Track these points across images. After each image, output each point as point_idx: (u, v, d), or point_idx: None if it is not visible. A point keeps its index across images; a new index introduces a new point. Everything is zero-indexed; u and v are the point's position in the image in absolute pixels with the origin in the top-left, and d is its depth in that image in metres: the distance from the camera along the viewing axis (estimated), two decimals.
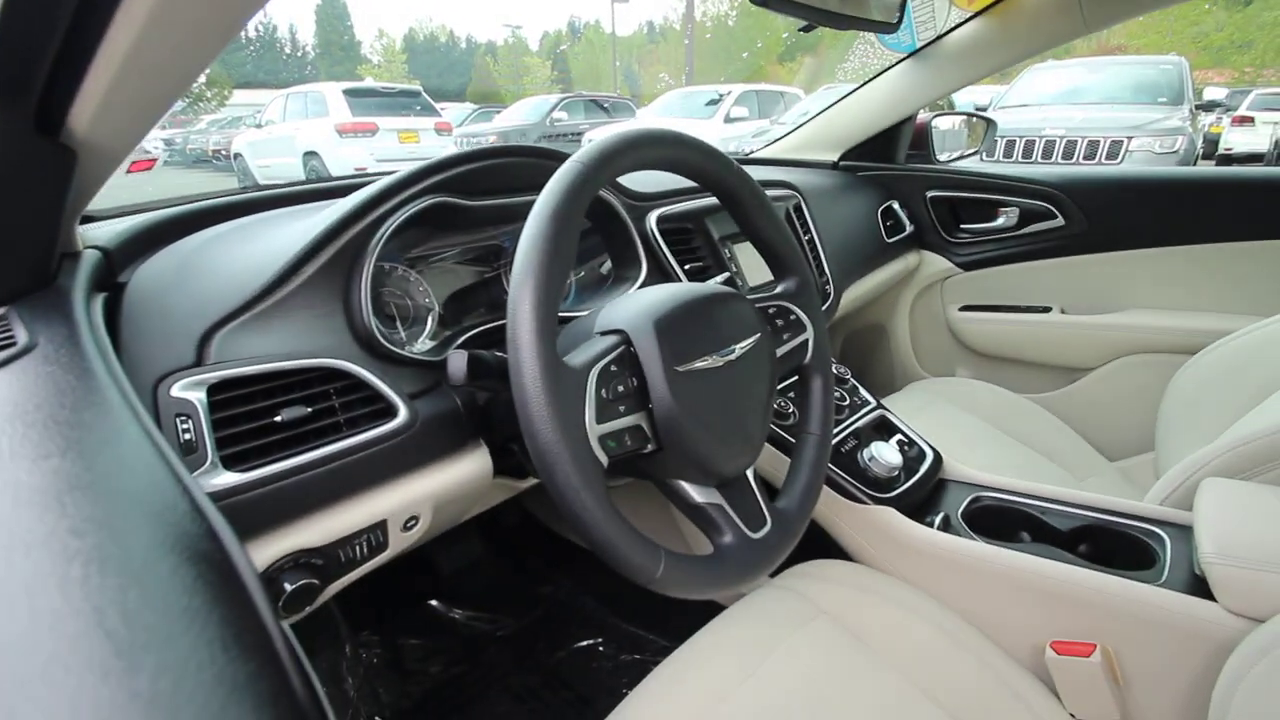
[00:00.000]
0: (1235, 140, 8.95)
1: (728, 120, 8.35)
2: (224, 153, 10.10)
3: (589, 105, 10.59)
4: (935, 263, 1.68)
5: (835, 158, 1.67)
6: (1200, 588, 0.71)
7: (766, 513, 0.64)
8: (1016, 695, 0.71)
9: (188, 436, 0.53)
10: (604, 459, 0.53)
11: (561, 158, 0.76)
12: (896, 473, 0.93)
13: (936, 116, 1.70)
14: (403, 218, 0.70)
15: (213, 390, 0.56)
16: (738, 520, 0.61)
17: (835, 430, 0.98)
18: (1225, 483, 0.78)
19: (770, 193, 1.25)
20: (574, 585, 1.39)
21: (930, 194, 1.64)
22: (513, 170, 0.81)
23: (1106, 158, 5.44)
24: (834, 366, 0.99)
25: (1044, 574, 0.77)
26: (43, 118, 0.48)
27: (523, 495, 0.90)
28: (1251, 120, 8.88)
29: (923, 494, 0.93)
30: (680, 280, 0.96)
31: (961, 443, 1.18)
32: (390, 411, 0.64)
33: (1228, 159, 8.96)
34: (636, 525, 0.53)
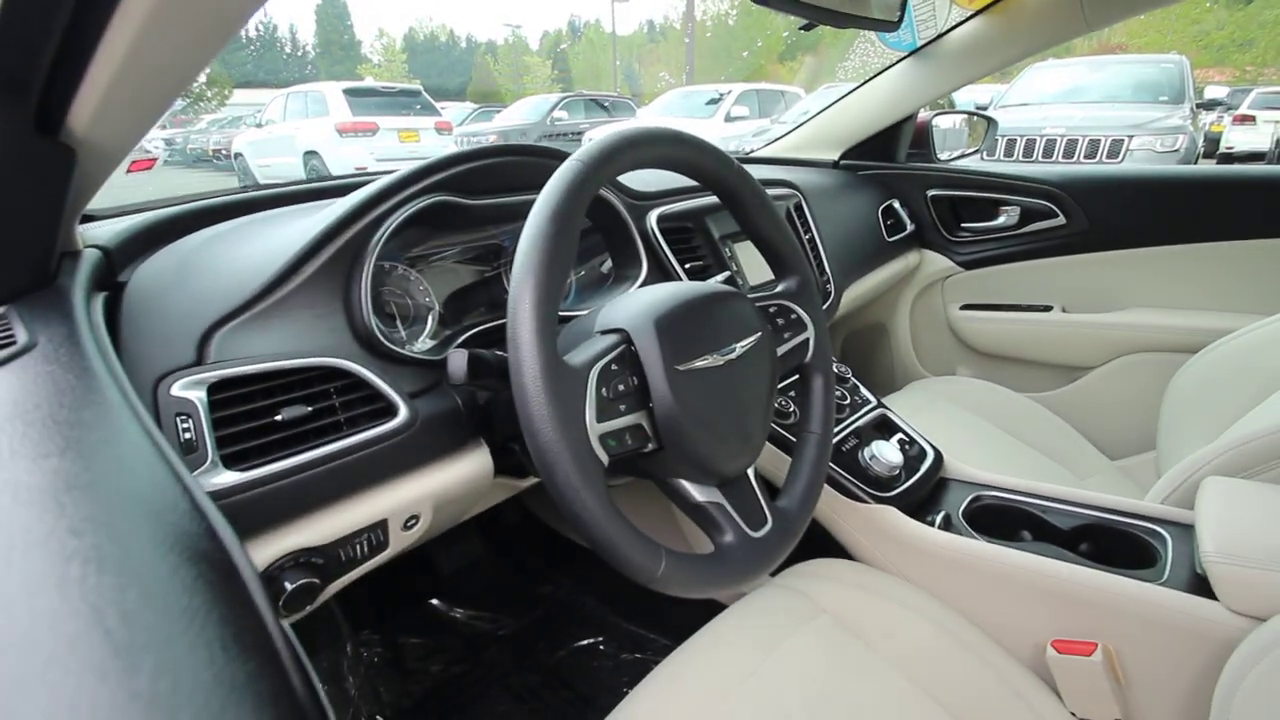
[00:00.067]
0: (1236, 139, 8.94)
1: (728, 119, 8.34)
2: (224, 152, 10.10)
3: (589, 104, 10.59)
4: (936, 262, 1.68)
5: (836, 157, 1.67)
6: (1202, 587, 0.70)
7: (767, 512, 0.64)
8: (1017, 694, 0.71)
9: (188, 436, 0.53)
10: (604, 458, 0.53)
11: (562, 156, 0.76)
12: (897, 472, 0.93)
13: (937, 115, 1.69)
14: (403, 217, 0.70)
15: (213, 389, 0.56)
16: (738, 519, 0.61)
17: (836, 429, 0.98)
18: (1227, 481, 0.78)
19: (771, 192, 1.24)
20: (574, 584, 1.39)
21: (931, 193, 1.64)
22: (513, 169, 0.81)
23: (1107, 156, 5.44)
24: (835, 365, 0.99)
25: (1045, 573, 0.77)
26: (42, 117, 0.48)
27: (523, 494, 0.90)
28: (1253, 119, 8.86)
29: (923, 493, 0.93)
30: (681, 279, 0.95)
31: (962, 442, 1.17)
32: (390, 411, 0.64)
33: (1229, 158, 8.94)
34: (637, 524, 0.53)
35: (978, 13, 1.34)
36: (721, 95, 8.74)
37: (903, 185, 1.65)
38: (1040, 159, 5.64)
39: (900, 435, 1.02)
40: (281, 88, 8.76)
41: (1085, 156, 5.49)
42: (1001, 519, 0.89)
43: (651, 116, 9.59)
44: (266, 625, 0.27)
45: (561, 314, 0.60)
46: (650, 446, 0.58)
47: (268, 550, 0.57)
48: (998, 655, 0.76)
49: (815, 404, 0.75)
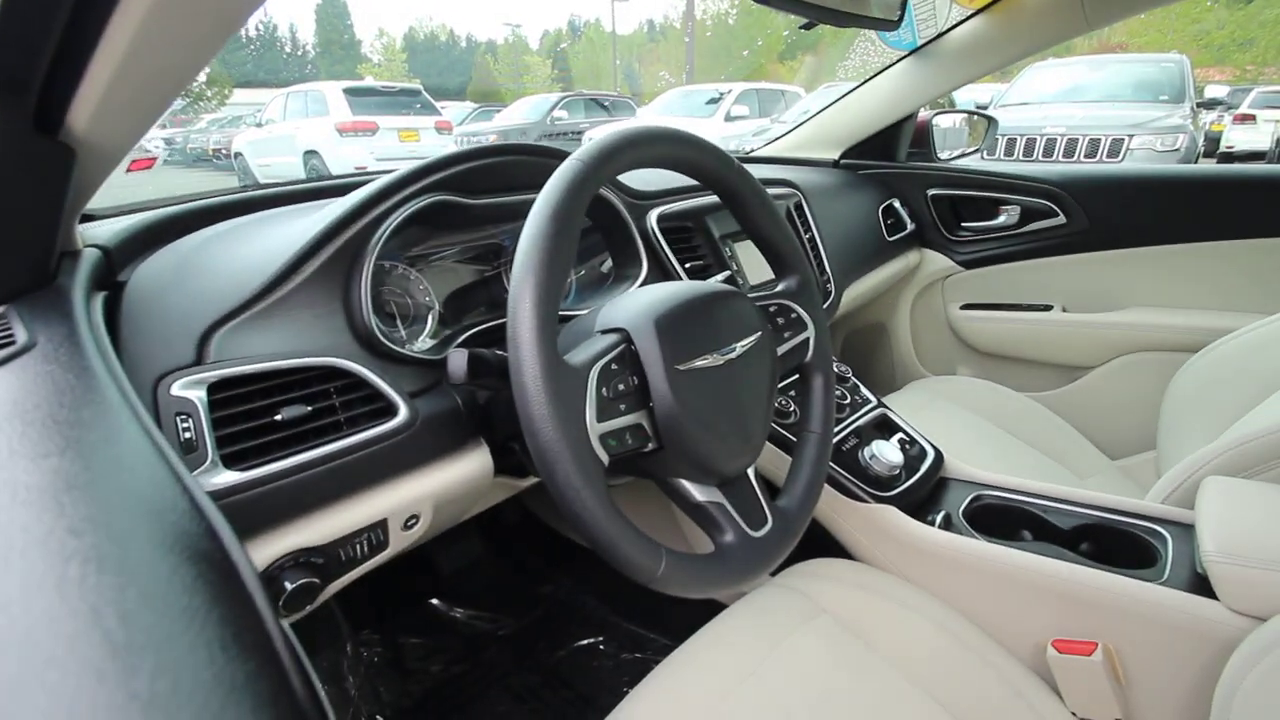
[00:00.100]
0: (1237, 138, 8.94)
1: (728, 119, 8.34)
2: (224, 152, 10.10)
3: (589, 104, 10.59)
4: (936, 261, 1.68)
5: (836, 156, 1.67)
6: (1202, 586, 0.70)
7: (767, 511, 0.64)
8: (1018, 694, 0.71)
9: (188, 435, 0.53)
10: (605, 458, 0.53)
11: (561, 156, 0.75)
12: (898, 471, 0.92)
13: (937, 114, 1.69)
14: (403, 216, 0.70)
15: (213, 389, 0.56)
16: (739, 519, 0.61)
17: (836, 429, 0.98)
18: (1227, 481, 0.78)
19: (771, 191, 1.24)
20: (574, 584, 1.39)
21: (931, 192, 1.64)
22: (513, 169, 0.81)
23: (1107, 156, 5.43)
24: (835, 365, 0.99)
25: (1045, 573, 0.77)
26: (42, 116, 0.48)
27: (523, 494, 0.90)
28: (1253, 118, 8.87)
29: (924, 492, 0.93)
30: (681, 279, 0.95)
31: (963, 441, 1.17)
32: (390, 410, 0.64)
33: (1229, 157, 8.95)
34: (637, 524, 0.53)
35: (978, 12, 1.34)
36: (721, 95, 8.74)
37: (903, 184, 1.65)
38: (1040, 158, 5.64)
39: (900, 435, 1.02)
40: (281, 87, 8.76)
41: (1085, 156, 5.49)
42: (1002, 519, 0.89)
43: (651, 116, 9.58)
44: (266, 625, 0.27)
45: (561, 313, 0.59)
46: (650, 446, 0.58)
47: (268, 550, 0.57)
48: (998, 655, 0.76)
49: (815, 403, 0.75)
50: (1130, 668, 0.73)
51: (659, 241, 0.96)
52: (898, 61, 1.50)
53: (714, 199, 0.83)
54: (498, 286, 0.88)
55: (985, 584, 0.81)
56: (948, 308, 1.69)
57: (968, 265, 1.64)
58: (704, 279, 0.99)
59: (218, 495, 0.53)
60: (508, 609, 1.34)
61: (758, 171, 1.33)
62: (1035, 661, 0.77)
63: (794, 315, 0.74)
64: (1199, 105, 6.49)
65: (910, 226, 1.64)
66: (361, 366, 0.63)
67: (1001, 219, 1.61)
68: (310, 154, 7.67)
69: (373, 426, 0.62)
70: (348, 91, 7.71)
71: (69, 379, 0.42)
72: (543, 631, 1.29)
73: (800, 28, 1.21)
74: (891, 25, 1.25)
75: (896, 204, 1.63)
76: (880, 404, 1.07)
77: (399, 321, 0.78)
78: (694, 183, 0.72)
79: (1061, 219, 1.51)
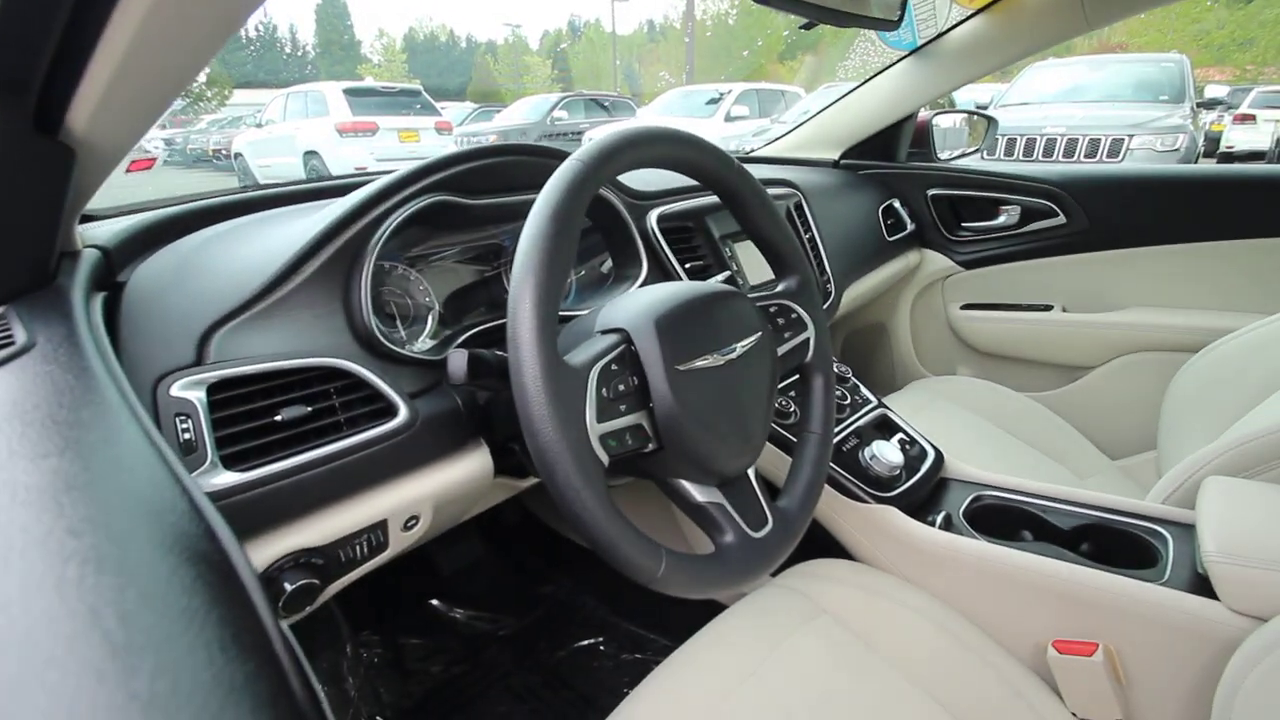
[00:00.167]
0: (1237, 138, 8.94)
1: (728, 119, 8.34)
2: (224, 152, 10.10)
3: (589, 104, 10.59)
4: (936, 261, 1.68)
5: (836, 156, 1.67)
6: (1203, 587, 0.70)
7: (768, 512, 0.64)
8: (1018, 694, 0.71)
9: (187, 436, 0.53)
10: (605, 458, 0.53)
11: (561, 156, 0.75)
12: (898, 471, 0.92)
13: (937, 114, 1.69)
14: (403, 216, 0.70)
15: (212, 390, 0.56)
16: (739, 519, 0.61)
17: (836, 429, 0.98)
18: (1227, 481, 0.78)
19: (771, 191, 1.24)
20: (575, 585, 1.39)
21: (931, 192, 1.64)
22: (513, 169, 0.81)
23: (1107, 156, 5.43)
24: (835, 365, 0.99)
25: (1046, 573, 0.77)
26: (41, 116, 0.48)
27: (523, 494, 0.90)
28: (1253, 118, 8.86)
29: (924, 493, 0.93)
30: (681, 279, 0.95)
31: (963, 441, 1.17)
32: (390, 411, 0.63)
33: (1229, 157, 8.95)
34: (637, 524, 0.53)
35: (978, 12, 1.34)
36: (721, 95, 8.74)
37: (903, 185, 1.65)
38: (1040, 158, 5.64)
39: (901, 435, 1.02)
40: (281, 88, 8.76)
41: (1085, 156, 5.49)
42: (1002, 519, 0.89)
43: (651, 116, 9.58)
44: (265, 626, 0.27)
45: (561, 314, 0.59)
46: (650, 446, 0.58)
47: (267, 551, 0.57)
48: (998, 655, 0.76)
49: (816, 404, 0.75)
50: (1131, 668, 0.73)
51: (659, 242, 0.96)
52: (898, 61, 1.50)
53: (714, 199, 0.83)
54: (498, 287, 0.88)
55: (985, 584, 0.81)
56: (948, 308, 1.69)
57: (968, 265, 1.64)
58: (704, 279, 0.99)
59: (217, 496, 0.53)
60: (508, 609, 1.34)
61: (758, 171, 1.33)
62: (1035, 662, 0.77)
63: (794, 315, 0.74)
64: (1199, 105, 6.50)
65: (910, 227, 1.64)
66: (361, 367, 0.63)
67: (1001, 219, 1.61)
68: (310, 154, 7.67)
69: (373, 427, 0.62)
70: (348, 92, 7.72)
71: (68, 379, 0.42)
72: (543, 632, 1.29)
73: (800, 28, 1.21)
74: (891, 25, 1.25)
75: (896, 204, 1.63)
76: (880, 404, 1.07)
77: (399, 322, 0.78)
78: (694, 183, 0.72)
79: (1061, 219, 1.51)
